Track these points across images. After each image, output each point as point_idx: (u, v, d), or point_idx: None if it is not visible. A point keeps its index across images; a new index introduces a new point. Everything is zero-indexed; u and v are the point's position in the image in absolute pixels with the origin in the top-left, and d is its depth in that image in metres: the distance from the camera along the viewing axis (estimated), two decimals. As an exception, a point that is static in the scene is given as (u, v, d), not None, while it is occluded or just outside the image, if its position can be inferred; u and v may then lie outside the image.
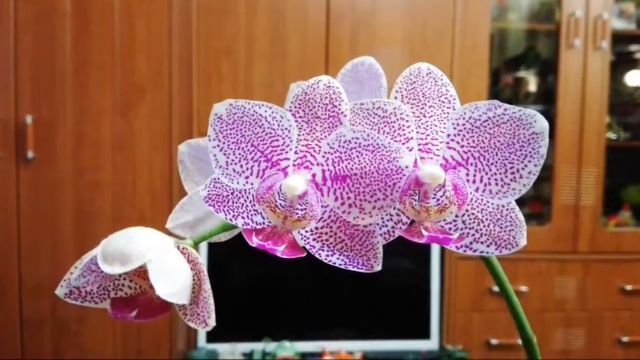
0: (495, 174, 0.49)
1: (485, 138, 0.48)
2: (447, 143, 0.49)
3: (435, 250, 2.36)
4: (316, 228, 0.50)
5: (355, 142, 0.48)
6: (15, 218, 2.16)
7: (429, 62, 0.52)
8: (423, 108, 0.51)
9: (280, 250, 0.46)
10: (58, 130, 2.16)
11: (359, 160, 0.48)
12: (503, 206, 0.50)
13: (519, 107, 0.47)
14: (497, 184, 0.49)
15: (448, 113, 0.50)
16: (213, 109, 0.49)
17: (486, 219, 0.50)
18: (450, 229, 0.51)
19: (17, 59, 2.13)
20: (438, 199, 0.48)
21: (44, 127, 2.15)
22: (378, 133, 0.49)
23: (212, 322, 0.48)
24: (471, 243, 0.51)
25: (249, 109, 0.48)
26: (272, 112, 0.48)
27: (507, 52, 2.75)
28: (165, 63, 2.20)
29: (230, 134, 0.49)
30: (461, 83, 2.28)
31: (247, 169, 0.50)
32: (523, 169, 0.48)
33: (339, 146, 0.48)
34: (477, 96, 2.26)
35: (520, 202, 0.49)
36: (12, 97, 2.13)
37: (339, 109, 0.49)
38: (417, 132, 0.50)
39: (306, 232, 0.50)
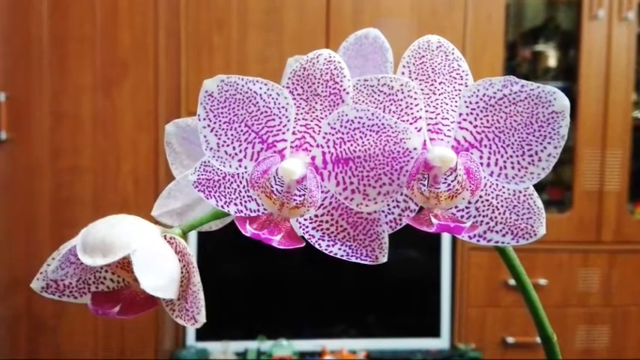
0: (512, 157, 0.49)
1: (501, 117, 0.48)
2: (459, 123, 0.49)
3: (446, 239, 2.36)
4: (316, 216, 0.50)
5: (358, 122, 0.47)
6: (-13, 205, 2.17)
7: (440, 34, 0.51)
8: (432, 85, 0.50)
9: (277, 240, 0.46)
10: (34, 109, 2.16)
11: (362, 142, 0.48)
12: (520, 192, 0.50)
13: (538, 84, 0.47)
14: (513, 168, 0.49)
15: (460, 90, 0.50)
16: (204, 86, 0.49)
17: (502, 206, 0.50)
18: (462, 216, 0.51)
19: (-12, 31, 2.12)
20: (449, 184, 0.48)
21: (19, 105, 2.14)
22: (384, 111, 0.49)
23: (202, 319, 0.48)
24: (484, 232, 0.51)
25: (242, 86, 0.48)
26: (267, 89, 0.48)
27: (525, 24, 2.73)
28: (151, 35, 2.19)
29: (222, 113, 0.49)
30: (474, 57, 2.27)
31: (241, 151, 0.50)
32: (542, 151, 0.48)
33: (341, 126, 0.48)
34: (492, 71, 2.26)
35: (539, 187, 0.49)
36: (-18, 72, 2.13)
37: (341, 86, 0.49)
38: (427, 111, 0.50)
39: (305, 220, 0.50)
